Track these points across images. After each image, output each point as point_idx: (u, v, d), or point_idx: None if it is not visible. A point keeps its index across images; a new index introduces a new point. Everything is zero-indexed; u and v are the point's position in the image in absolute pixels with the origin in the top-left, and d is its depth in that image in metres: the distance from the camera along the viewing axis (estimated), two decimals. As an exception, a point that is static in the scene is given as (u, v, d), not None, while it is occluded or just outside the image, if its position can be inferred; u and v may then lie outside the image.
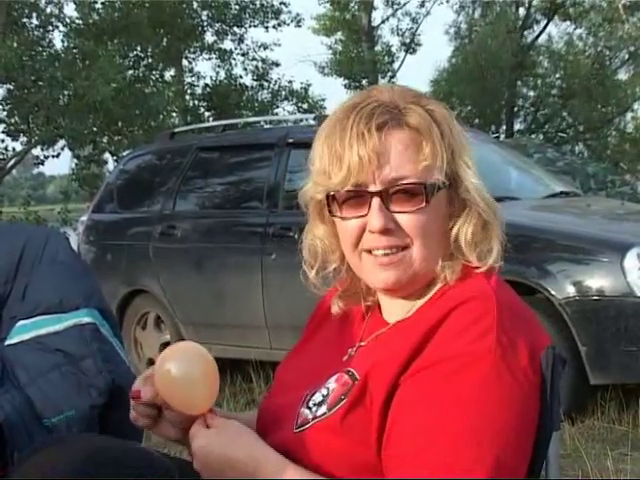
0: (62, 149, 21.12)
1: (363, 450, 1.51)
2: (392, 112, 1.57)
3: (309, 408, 1.60)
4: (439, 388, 1.45)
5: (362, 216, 1.58)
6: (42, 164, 21.78)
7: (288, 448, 1.59)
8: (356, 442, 1.51)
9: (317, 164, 1.62)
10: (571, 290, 5.36)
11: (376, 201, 1.56)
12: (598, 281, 5.35)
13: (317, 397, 1.60)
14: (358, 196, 1.58)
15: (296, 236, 6.40)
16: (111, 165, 21.71)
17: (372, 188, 1.57)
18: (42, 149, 21.08)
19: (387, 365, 1.52)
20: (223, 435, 1.58)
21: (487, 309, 1.50)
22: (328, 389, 1.60)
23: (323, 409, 1.57)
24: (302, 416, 1.60)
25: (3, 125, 20.74)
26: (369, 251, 1.60)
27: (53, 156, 21.17)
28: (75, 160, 22.24)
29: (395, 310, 1.65)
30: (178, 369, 1.60)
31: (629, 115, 31.07)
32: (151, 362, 7.35)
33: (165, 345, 7.30)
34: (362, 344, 1.68)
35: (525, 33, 30.00)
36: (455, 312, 1.51)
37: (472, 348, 1.46)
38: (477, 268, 1.59)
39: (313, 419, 1.57)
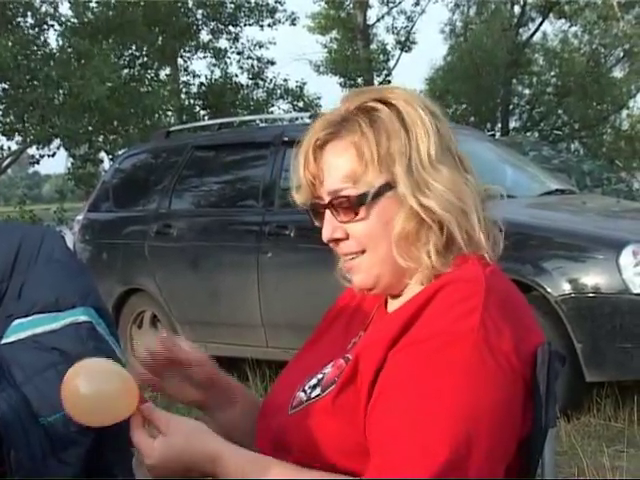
0: (58, 148, 21.07)
1: (354, 431, 1.52)
2: (333, 127, 1.65)
3: (304, 391, 1.63)
4: (420, 367, 1.47)
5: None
6: (37, 163, 21.75)
7: (282, 430, 1.62)
8: (347, 423, 1.53)
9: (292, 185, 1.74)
10: (567, 287, 5.37)
11: (327, 213, 1.66)
12: (594, 278, 5.37)
13: (313, 381, 1.64)
14: (318, 211, 1.69)
15: (292, 234, 6.41)
16: (107, 164, 21.69)
17: (324, 201, 1.67)
18: (37, 148, 21.05)
19: (375, 345, 1.55)
20: (173, 442, 1.55)
21: (474, 291, 1.52)
22: (324, 374, 1.63)
23: (317, 391, 1.61)
24: (297, 399, 1.64)
25: (-2, 124, 20.73)
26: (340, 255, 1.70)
27: (49, 155, 21.12)
28: (71, 159, 22.22)
29: (396, 303, 1.68)
30: (84, 382, 1.56)
31: (624, 113, 31.13)
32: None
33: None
34: (362, 335, 1.72)
35: (520, 31, 30.03)
36: (442, 291, 1.54)
37: (455, 327, 1.48)
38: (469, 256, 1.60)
39: (307, 400, 1.61)
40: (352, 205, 1.62)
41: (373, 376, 1.52)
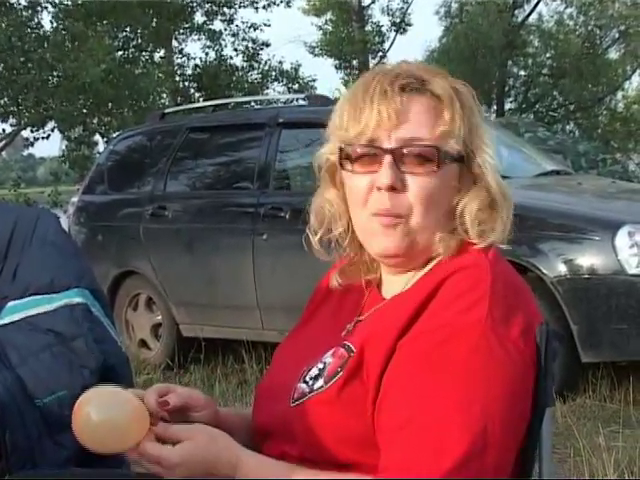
0: (52, 130, 21.01)
1: (360, 423, 1.51)
2: (416, 79, 1.59)
3: (306, 382, 1.59)
4: (428, 357, 1.45)
5: (373, 172, 1.58)
6: (32, 146, 21.70)
7: (284, 422, 1.59)
8: (353, 415, 1.51)
9: (337, 121, 1.63)
10: (563, 269, 5.37)
11: (388, 158, 1.56)
12: (589, 259, 5.36)
13: (313, 371, 1.60)
14: (371, 153, 1.58)
15: (287, 216, 6.40)
16: (101, 146, 21.65)
17: (386, 145, 1.57)
18: (32, 131, 20.98)
19: (382, 336, 1.52)
20: (199, 440, 1.53)
21: (480, 278, 1.50)
22: (325, 363, 1.59)
23: (320, 382, 1.57)
24: (299, 390, 1.59)
25: (-8, 107, 20.66)
26: (375, 214, 1.59)
27: (43, 138, 21.06)
28: (65, 142, 22.17)
29: (394, 286, 1.65)
30: (97, 410, 1.54)
31: (619, 94, 31.15)
32: (143, 343, 7.36)
33: (157, 326, 7.31)
34: (360, 319, 1.68)
35: (516, 12, 29.93)
36: (448, 281, 1.52)
37: (462, 317, 1.46)
38: (475, 245, 1.58)
39: (310, 392, 1.57)
40: (430, 158, 1.56)
41: (380, 371, 1.50)
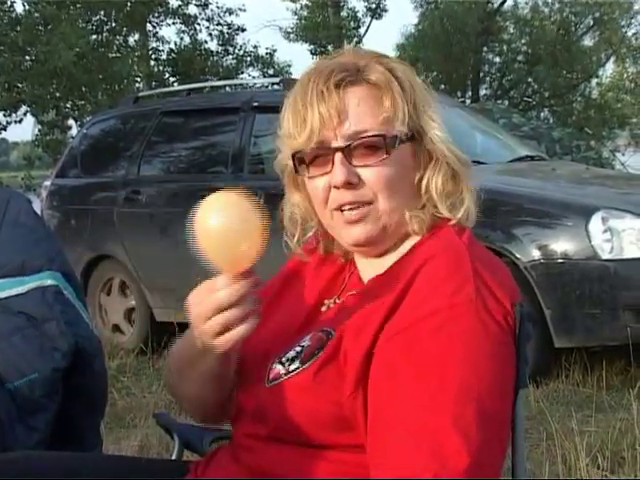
0: (25, 115, 20.91)
1: (333, 407, 1.50)
2: (350, 70, 1.60)
3: (282, 363, 1.60)
4: (425, 347, 1.44)
5: (327, 173, 1.60)
6: (5, 130, 21.57)
7: (259, 402, 1.60)
8: (327, 398, 1.51)
9: (284, 128, 1.64)
10: (536, 253, 5.38)
11: (338, 156, 1.58)
12: (563, 244, 5.38)
13: (291, 353, 1.60)
14: (323, 154, 1.60)
15: (261, 200, 6.37)
16: (75, 130, 21.52)
17: (334, 144, 1.59)
18: (4, 115, 20.86)
19: (364, 324, 1.51)
20: None
21: (460, 260, 1.51)
22: (302, 346, 1.59)
23: (296, 364, 1.57)
24: (275, 371, 1.60)
25: (-36, 91, 20.48)
26: (337, 209, 1.61)
27: (16, 122, 20.95)
28: (38, 126, 22.03)
29: (371, 270, 1.65)
30: (220, 217, 1.52)
31: (594, 81, 31.24)
32: (116, 328, 7.32)
33: (130, 311, 7.28)
34: (337, 302, 1.68)
35: (491, -1, 29.99)
36: (427, 266, 1.51)
37: (452, 301, 1.46)
38: (448, 220, 1.60)
39: (286, 374, 1.57)
40: (379, 147, 1.58)
41: (362, 359, 1.49)
